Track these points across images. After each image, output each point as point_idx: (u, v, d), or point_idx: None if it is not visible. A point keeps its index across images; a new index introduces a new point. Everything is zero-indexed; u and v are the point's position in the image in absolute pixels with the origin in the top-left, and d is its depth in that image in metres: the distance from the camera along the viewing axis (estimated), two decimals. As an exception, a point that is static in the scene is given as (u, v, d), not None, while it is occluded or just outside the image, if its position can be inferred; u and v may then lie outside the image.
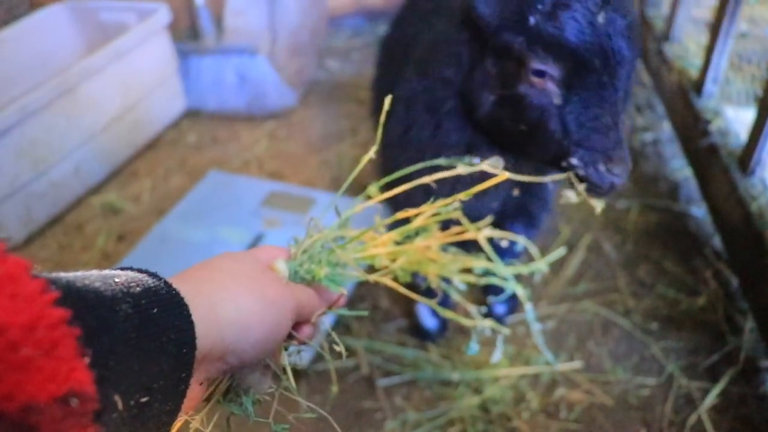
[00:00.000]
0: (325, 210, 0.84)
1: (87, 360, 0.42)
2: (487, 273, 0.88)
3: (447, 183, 0.91)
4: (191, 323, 0.54)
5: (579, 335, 2.03)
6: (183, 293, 0.55)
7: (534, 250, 0.84)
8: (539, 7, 1.08)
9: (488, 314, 2.10)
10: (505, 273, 0.83)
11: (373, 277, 0.84)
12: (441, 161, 0.86)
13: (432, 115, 1.34)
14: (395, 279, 0.88)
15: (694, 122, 2.29)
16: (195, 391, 0.61)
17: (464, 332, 2.06)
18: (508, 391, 1.85)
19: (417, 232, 0.87)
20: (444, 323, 2.03)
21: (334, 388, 1.04)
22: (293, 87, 3.31)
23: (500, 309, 2.08)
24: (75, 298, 0.44)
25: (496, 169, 0.78)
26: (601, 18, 1.06)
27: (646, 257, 2.28)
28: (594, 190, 1.11)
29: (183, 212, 2.49)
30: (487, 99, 1.21)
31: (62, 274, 0.46)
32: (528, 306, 0.82)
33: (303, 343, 0.75)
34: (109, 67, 2.73)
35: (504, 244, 1.05)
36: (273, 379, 0.73)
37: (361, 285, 2.20)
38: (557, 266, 2.25)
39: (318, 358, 1.96)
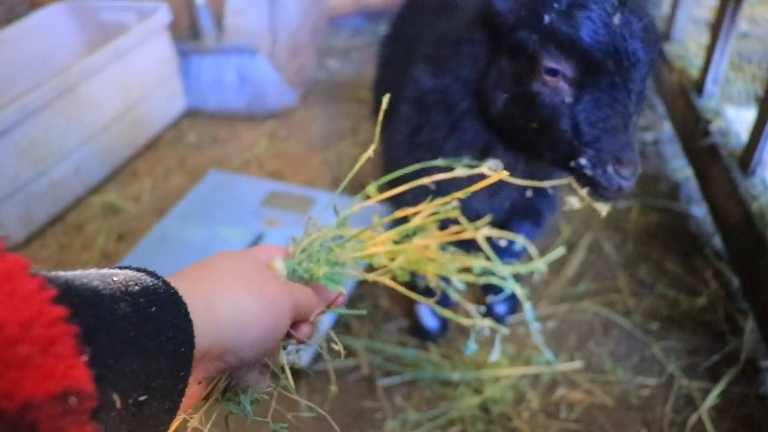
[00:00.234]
0: (323, 209, 0.84)
1: (85, 358, 0.42)
2: (485, 272, 0.88)
3: (454, 184, 0.91)
4: (189, 322, 0.54)
5: (579, 335, 2.03)
6: (181, 292, 0.55)
7: (533, 249, 0.84)
8: (555, 5, 1.08)
9: (488, 314, 2.10)
10: (503, 272, 0.83)
11: (371, 276, 0.84)
12: (439, 162, 0.86)
13: (447, 114, 1.33)
14: (394, 278, 0.88)
15: (695, 122, 2.28)
16: (193, 390, 0.62)
17: (465, 332, 2.05)
18: (508, 391, 1.85)
19: (415, 232, 0.87)
20: (445, 323, 2.03)
21: (333, 388, 1.04)
22: (293, 87, 3.31)
23: (501, 309, 2.08)
24: (73, 296, 0.44)
25: (494, 171, 0.78)
26: (616, 19, 1.06)
27: (646, 257, 2.27)
28: (601, 192, 1.10)
29: (183, 212, 2.49)
30: (500, 97, 1.21)
31: (61, 273, 0.46)
32: (527, 305, 0.82)
33: (302, 342, 0.75)
34: (109, 67, 2.73)
35: (503, 243, 1.05)
36: (271, 378, 0.73)
37: (362, 285, 2.20)
38: (558, 266, 2.25)
39: (318, 357, 1.96)
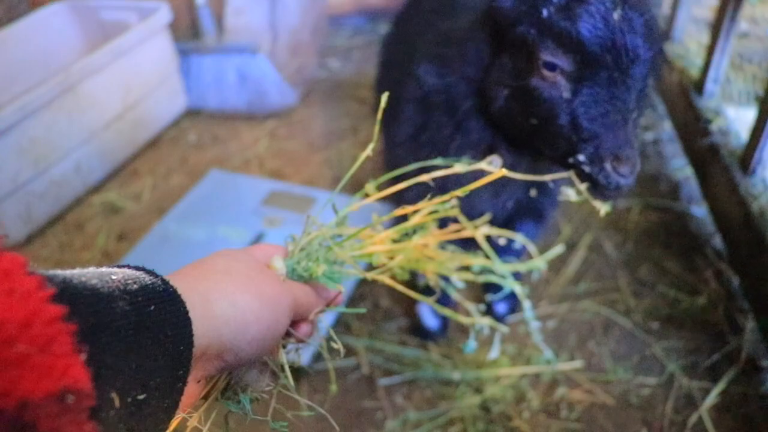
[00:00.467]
0: (322, 208, 0.84)
1: (83, 357, 0.41)
2: (485, 271, 0.88)
3: (457, 183, 0.91)
4: (188, 320, 0.54)
5: (580, 335, 2.03)
6: (180, 291, 0.55)
7: (532, 248, 0.84)
8: (554, 0, 1.08)
9: (488, 313, 2.10)
10: (502, 270, 0.83)
11: (371, 275, 0.84)
12: (439, 161, 0.86)
13: (452, 114, 1.33)
14: (393, 277, 0.88)
15: (695, 122, 2.28)
16: (192, 389, 0.61)
17: (465, 332, 2.05)
18: (508, 391, 1.85)
19: (415, 230, 0.87)
20: (445, 323, 2.03)
21: (333, 387, 1.04)
22: (294, 86, 3.31)
23: (501, 308, 2.08)
24: (71, 294, 0.44)
25: (492, 167, 0.78)
26: (616, 15, 1.05)
27: (646, 257, 2.27)
28: (600, 191, 1.10)
29: (183, 211, 2.49)
30: (501, 93, 1.21)
31: (59, 271, 0.46)
32: (526, 303, 0.82)
33: (301, 341, 0.75)
34: (109, 66, 2.73)
35: (502, 242, 1.05)
36: (271, 377, 0.73)
37: (362, 284, 2.20)
38: (558, 266, 2.25)
39: (318, 357, 1.96)
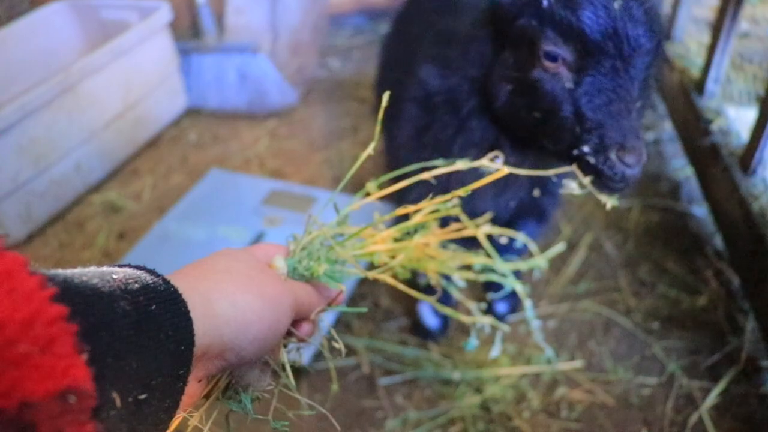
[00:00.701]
0: (324, 207, 0.84)
1: (85, 357, 0.41)
2: (486, 269, 0.88)
3: (459, 183, 0.90)
4: (189, 320, 0.54)
5: (580, 334, 2.03)
6: (181, 290, 0.55)
7: (533, 247, 0.84)
8: None
9: (489, 311, 2.10)
10: (503, 269, 0.83)
11: (372, 274, 0.84)
12: (440, 162, 0.86)
13: (455, 114, 1.33)
14: (394, 276, 0.88)
15: (696, 122, 2.28)
16: (194, 388, 0.61)
17: (466, 332, 2.05)
18: (509, 391, 1.85)
19: (416, 229, 0.87)
20: (446, 322, 2.03)
21: (334, 387, 1.04)
22: (294, 85, 3.30)
23: (502, 307, 2.08)
24: (73, 294, 0.44)
25: (495, 165, 0.78)
26: (617, 3, 1.05)
27: (647, 257, 2.27)
28: (606, 183, 1.08)
29: (184, 210, 2.49)
30: (504, 89, 1.21)
31: (60, 271, 0.46)
32: (527, 302, 0.82)
33: (302, 340, 0.75)
34: (110, 65, 2.73)
35: (503, 241, 1.05)
36: (272, 377, 0.73)
37: (362, 283, 2.20)
38: (558, 265, 2.25)
39: (319, 356, 1.96)
